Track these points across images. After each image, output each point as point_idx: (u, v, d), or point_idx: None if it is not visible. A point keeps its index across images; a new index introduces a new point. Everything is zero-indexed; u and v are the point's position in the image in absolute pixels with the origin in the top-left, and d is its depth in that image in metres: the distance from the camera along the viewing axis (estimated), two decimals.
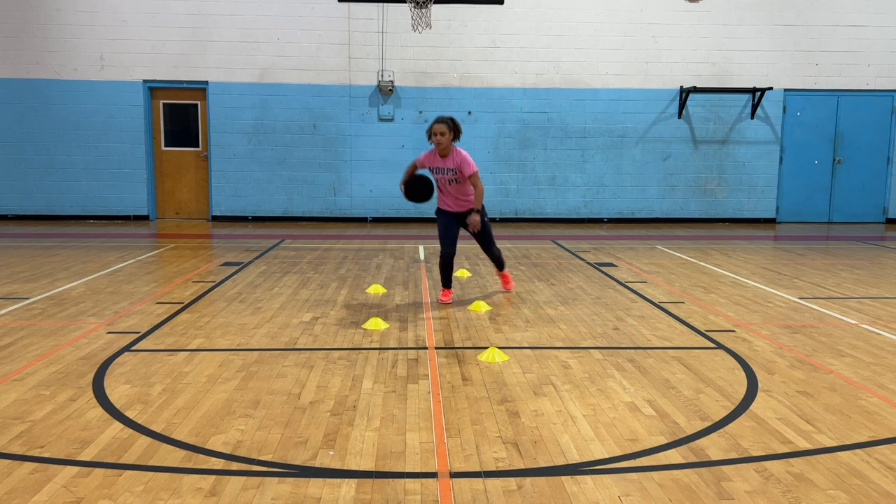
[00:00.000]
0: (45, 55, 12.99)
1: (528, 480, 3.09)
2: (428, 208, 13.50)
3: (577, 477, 3.13)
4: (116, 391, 4.16)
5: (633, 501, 2.92)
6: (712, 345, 5.29)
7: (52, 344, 5.12)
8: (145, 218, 13.45)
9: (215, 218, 13.54)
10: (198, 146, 13.58)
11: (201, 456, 3.31)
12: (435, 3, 10.83)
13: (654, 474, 3.17)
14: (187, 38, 13.07)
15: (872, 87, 13.85)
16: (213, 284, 7.36)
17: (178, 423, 3.69)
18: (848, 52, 13.73)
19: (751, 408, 3.99)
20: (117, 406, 3.92)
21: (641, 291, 7.19)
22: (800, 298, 6.96)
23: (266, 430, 3.60)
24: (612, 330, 5.69)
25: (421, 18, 10.76)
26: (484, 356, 4.86)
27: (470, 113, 13.49)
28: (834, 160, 14.03)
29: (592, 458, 3.32)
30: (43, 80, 13.03)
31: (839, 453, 3.41)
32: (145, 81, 13.19)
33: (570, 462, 3.28)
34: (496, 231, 12.58)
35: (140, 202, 13.41)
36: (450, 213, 6.65)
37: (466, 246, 10.34)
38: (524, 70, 13.51)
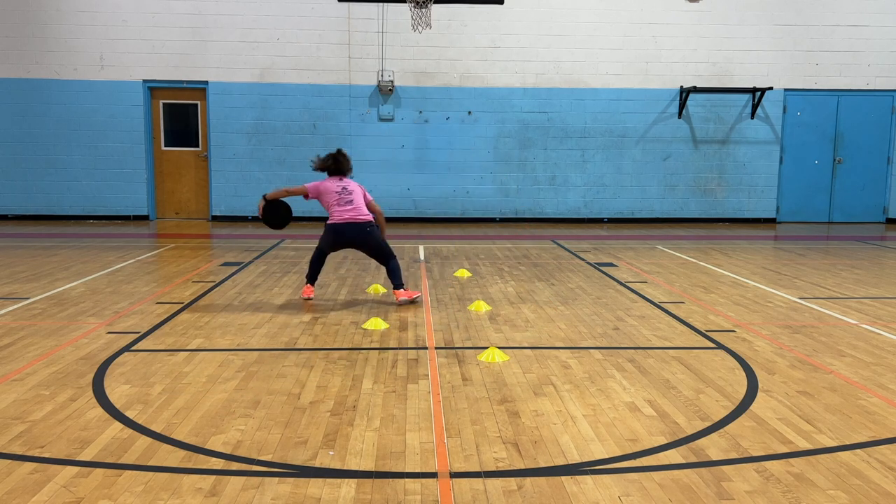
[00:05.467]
0: (45, 55, 12.98)
1: (528, 480, 3.09)
2: (430, 209, 13.57)
3: (577, 477, 3.13)
4: (116, 391, 4.16)
5: (633, 501, 2.92)
6: (712, 345, 5.29)
7: (52, 344, 5.12)
8: (145, 218, 13.45)
9: (215, 218, 13.54)
10: (198, 146, 13.58)
11: (201, 456, 3.31)
12: (435, 2, 10.83)
13: (655, 474, 3.16)
14: (187, 38, 13.07)
15: (872, 87, 13.85)
16: (213, 284, 7.36)
17: (178, 423, 3.69)
18: (848, 52, 13.73)
19: (751, 408, 3.99)
20: (117, 406, 3.92)
21: (641, 291, 7.19)
22: (800, 298, 6.95)
23: (266, 430, 3.60)
24: (612, 330, 5.69)
25: (421, 18, 10.76)
26: (484, 356, 4.86)
27: (470, 113, 13.50)
28: (834, 160, 14.03)
29: (592, 458, 3.32)
30: (43, 80, 13.02)
31: (839, 453, 3.41)
32: (145, 81, 13.18)
33: (570, 462, 3.28)
34: (499, 231, 12.64)
35: (140, 202, 13.41)
36: None
37: (466, 245, 10.34)
38: (524, 70, 13.51)
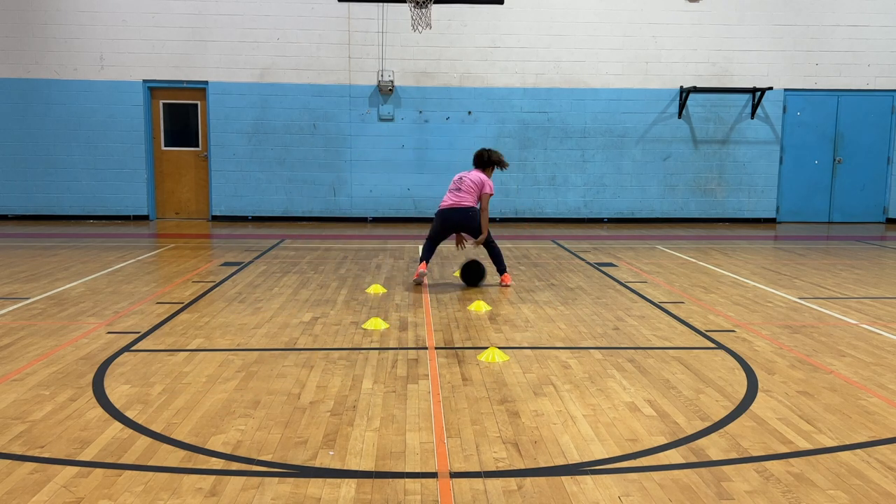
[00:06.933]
0: (45, 55, 12.99)
1: (528, 480, 3.09)
2: (431, 209, 13.57)
3: (577, 477, 3.13)
4: (116, 391, 4.16)
5: (633, 501, 2.92)
6: (712, 345, 5.29)
7: (52, 344, 5.12)
8: (145, 218, 13.45)
9: (215, 218, 13.54)
10: (198, 146, 13.58)
11: (201, 456, 3.31)
12: (435, 2, 10.83)
13: (654, 474, 3.16)
14: (187, 38, 13.07)
15: (872, 87, 13.85)
16: (213, 284, 7.36)
17: (177, 423, 3.69)
18: (848, 52, 13.73)
19: (751, 408, 3.99)
20: (117, 406, 3.92)
21: (641, 291, 7.19)
22: (800, 298, 6.95)
23: (266, 430, 3.60)
24: (612, 330, 5.69)
25: (421, 18, 10.76)
26: (484, 356, 4.86)
27: (470, 113, 13.50)
28: (834, 160, 14.03)
29: (592, 458, 3.32)
30: (43, 80, 13.03)
31: (839, 453, 3.41)
32: (145, 81, 13.19)
33: (570, 462, 3.28)
34: (499, 231, 12.64)
35: (140, 202, 13.41)
36: None
37: (466, 245, 10.33)
38: (524, 70, 13.51)
